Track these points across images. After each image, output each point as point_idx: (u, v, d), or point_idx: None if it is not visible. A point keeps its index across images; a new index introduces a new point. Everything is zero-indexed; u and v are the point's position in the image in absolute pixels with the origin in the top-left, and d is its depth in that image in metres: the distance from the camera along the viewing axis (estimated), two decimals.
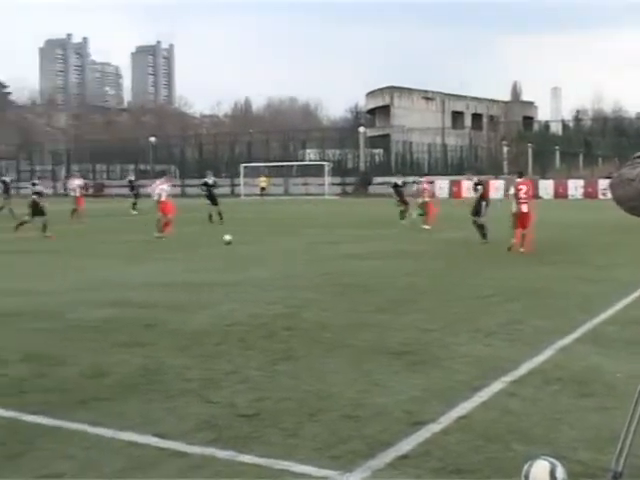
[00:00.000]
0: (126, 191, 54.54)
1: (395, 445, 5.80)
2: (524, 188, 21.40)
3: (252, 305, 12.24)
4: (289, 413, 6.62)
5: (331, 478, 5.22)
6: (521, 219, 20.78)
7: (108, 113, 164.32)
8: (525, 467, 4.89)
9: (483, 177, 26.60)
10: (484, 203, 23.58)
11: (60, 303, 12.62)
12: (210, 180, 34.36)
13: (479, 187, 24.17)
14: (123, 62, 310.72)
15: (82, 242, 25.47)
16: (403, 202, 32.37)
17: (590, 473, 5.22)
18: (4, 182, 41.46)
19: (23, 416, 6.62)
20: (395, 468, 5.40)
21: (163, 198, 26.41)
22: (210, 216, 33.08)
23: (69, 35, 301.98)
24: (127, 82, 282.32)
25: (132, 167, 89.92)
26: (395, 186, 33.69)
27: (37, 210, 27.32)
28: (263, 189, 74.60)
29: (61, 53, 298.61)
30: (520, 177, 22.20)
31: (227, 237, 23.74)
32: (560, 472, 4.83)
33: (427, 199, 31.12)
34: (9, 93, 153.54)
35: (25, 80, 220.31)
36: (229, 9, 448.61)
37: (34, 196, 28.00)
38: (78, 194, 36.67)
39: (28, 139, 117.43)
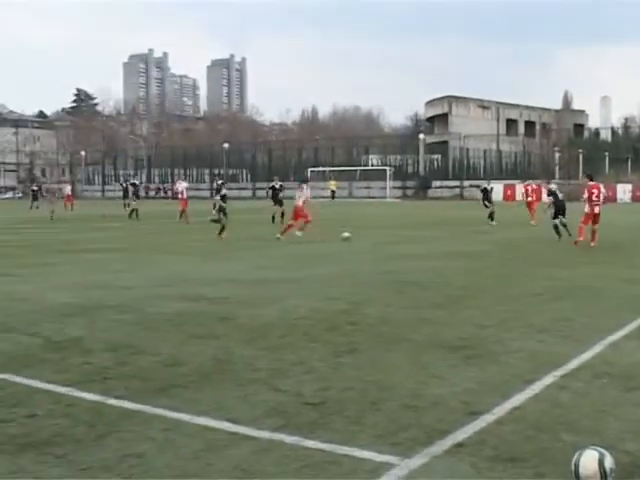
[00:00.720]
0: (201, 193, 55.21)
1: (452, 434, 5.78)
2: (596, 191, 21.63)
3: (317, 300, 12.27)
4: (352, 402, 6.63)
5: (391, 463, 5.21)
6: (592, 217, 21.55)
7: (186, 122, 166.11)
8: (575, 456, 4.85)
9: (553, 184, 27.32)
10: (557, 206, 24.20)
11: (141, 297, 12.79)
12: (277, 184, 34.63)
13: (556, 193, 24.85)
14: (200, 74, 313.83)
15: (163, 240, 25.75)
16: (487, 205, 32.87)
17: (637, 464, 5.15)
18: (134, 185, 42.39)
19: (108, 400, 6.73)
20: (452, 455, 5.38)
21: (300, 203, 25.74)
22: (273, 217, 33.55)
23: (150, 50, 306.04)
24: (203, 93, 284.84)
25: (207, 171, 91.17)
26: (484, 190, 33.95)
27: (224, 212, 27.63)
28: (333, 192, 74.67)
29: (143, 67, 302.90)
30: (591, 180, 22.47)
31: (345, 234, 24.14)
32: (609, 461, 4.78)
33: (530, 199, 33.40)
34: (96, 104, 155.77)
35: (110, 92, 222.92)
36: (297, 24, 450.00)
37: (218, 199, 28.26)
38: (185, 196, 36.38)
39: (113, 146, 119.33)
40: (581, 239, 21.31)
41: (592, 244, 21.20)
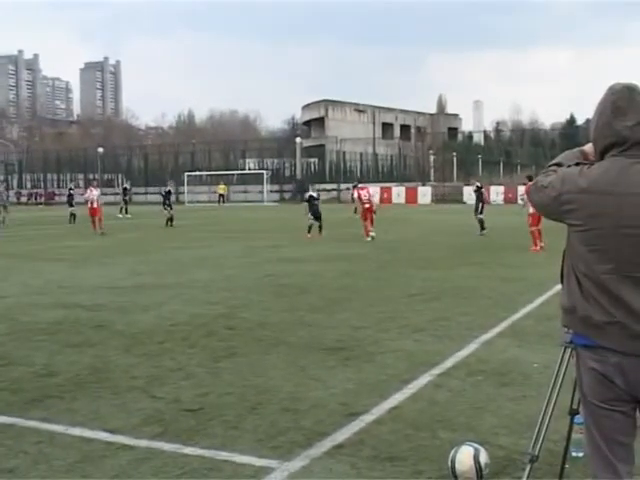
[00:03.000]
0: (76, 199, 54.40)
1: (331, 435, 5.83)
2: None
3: (195, 306, 12.19)
4: (231, 407, 6.60)
5: (271, 467, 5.21)
6: (539, 217, 21.37)
7: (58, 125, 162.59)
8: (451, 453, 4.98)
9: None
10: (481, 203, 27.44)
11: (14, 306, 12.43)
12: (172, 189, 35.37)
13: (482, 190, 28.39)
14: (72, 77, 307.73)
15: (37, 247, 25.10)
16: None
17: (510, 457, 5.29)
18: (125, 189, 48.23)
19: None
20: (331, 457, 5.41)
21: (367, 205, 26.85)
22: (168, 220, 34.26)
23: (20, 52, 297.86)
24: (76, 96, 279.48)
25: (81, 176, 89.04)
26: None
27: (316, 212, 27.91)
28: (222, 196, 74.18)
29: (13, 69, 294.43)
30: (530, 181, 23.17)
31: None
32: (483, 456, 4.92)
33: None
34: None
35: None
36: (173, 27, 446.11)
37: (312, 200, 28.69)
38: (95, 205, 33.03)
39: None
40: (541, 246, 20.80)
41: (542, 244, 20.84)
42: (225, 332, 9.95)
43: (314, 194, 29.45)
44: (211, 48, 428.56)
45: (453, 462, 4.93)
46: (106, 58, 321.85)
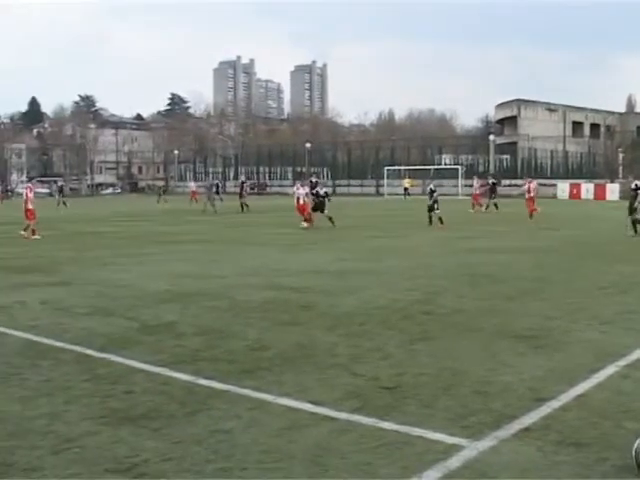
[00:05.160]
0: (285, 190, 55.88)
1: (519, 418, 5.73)
2: None
3: (393, 291, 12.24)
4: (425, 387, 6.61)
5: (461, 445, 5.18)
6: None
7: (270, 123, 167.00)
8: (637, 442, 4.79)
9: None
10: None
11: (229, 286, 12.95)
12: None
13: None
14: (283, 79, 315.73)
15: (248, 233, 25.99)
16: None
17: None
18: (242, 183, 47.16)
19: (198, 380, 6.84)
20: (519, 439, 5.32)
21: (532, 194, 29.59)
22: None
23: (238, 57, 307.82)
24: (287, 96, 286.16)
25: (290, 169, 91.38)
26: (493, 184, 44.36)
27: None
28: (406, 189, 74.24)
29: (231, 72, 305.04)
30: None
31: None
32: None
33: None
34: (189, 107, 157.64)
35: (202, 96, 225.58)
36: (375, 34, 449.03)
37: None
38: (302, 202, 30.87)
39: (203, 145, 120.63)
40: None
41: None
42: (421, 316, 9.95)
43: (320, 190, 30.48)
44: (411, 51, 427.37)
45: (637, 452, 4.74)
46: (314, 62, 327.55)
